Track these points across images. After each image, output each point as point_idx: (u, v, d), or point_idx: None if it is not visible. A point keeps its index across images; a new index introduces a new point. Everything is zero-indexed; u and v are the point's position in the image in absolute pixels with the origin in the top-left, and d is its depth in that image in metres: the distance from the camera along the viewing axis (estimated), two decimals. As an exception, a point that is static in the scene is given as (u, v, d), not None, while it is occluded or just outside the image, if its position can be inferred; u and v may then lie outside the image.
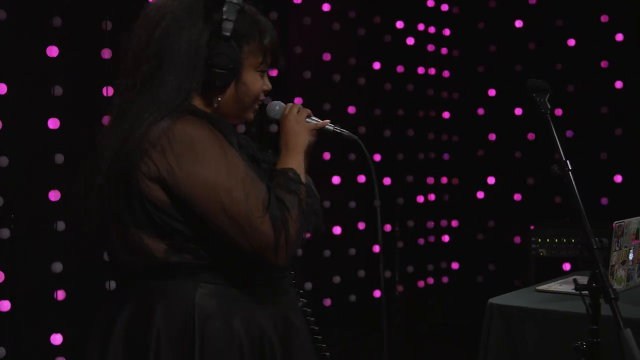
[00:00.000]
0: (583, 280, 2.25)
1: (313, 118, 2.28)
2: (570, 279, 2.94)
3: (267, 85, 2.21)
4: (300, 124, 2.23)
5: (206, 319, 2.03)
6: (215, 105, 2.14)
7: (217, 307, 2.05)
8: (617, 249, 3.34)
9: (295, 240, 2.03)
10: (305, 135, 2.23)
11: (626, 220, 3.38)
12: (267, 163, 2.20)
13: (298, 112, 2.25)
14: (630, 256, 3.43)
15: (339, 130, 2.34)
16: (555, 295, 3.38)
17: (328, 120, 2.32)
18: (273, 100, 2.31)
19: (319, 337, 2.39)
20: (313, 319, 2.40)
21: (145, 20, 2.12)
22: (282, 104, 2.28)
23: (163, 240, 2.03)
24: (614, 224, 3.31)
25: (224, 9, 2.08)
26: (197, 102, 2.12)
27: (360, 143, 2.36)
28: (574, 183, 2.28)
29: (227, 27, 2.07)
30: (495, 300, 3.30)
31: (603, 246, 2.19)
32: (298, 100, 5.37)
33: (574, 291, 2.25)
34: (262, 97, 2.22)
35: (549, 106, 2.40)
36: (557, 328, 3.06)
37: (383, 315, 2.58)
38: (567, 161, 2.31)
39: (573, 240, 5.55)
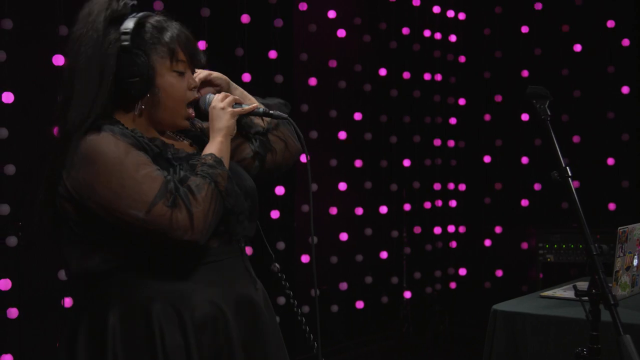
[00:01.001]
0: (583, 286, 2.25)
1: (241, 104, 2.33)
2: (578, 284, 2.94)
3: (192, 83, 2.29)
4: (224, 109, 2.29)
5: (116, 323, 2.15)
6: (137, 112, 2.24)
7: (130, 308, 2.16)
8: (622, 254, 3.33)
9: (202, 217, 2.08)
10: (226, 119, 2.28)
11: (630, 226, 3.37)
12: (180, 158, 2.26)
13: (223, 99, 2.32)
14: (635, 262, 3.42)
15: (268, 112, 2.37)
16: (559, 301, 3.37)
17: (256, 104, 2.37)
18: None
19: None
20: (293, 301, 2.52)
21: (66, 50, 2.25)
22: (213, 95, 2.34)
23: (79, 250, 2.18)
24: (618, 230, 3.30)
25: (122, 25, 2.17)
26: (120, 115, 2.22)
27: (291, 121, 2.40)
28: (573, 189, 2.27)
29: (126, 39, 2.15)
30: (499, 306, 3.30)
31: (603, 252, 2.18)
32: (304, 108, 5.40)
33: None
34: (190, 96, 2.28)
35: (549, 112, 2.39)
36: (561, 334, 3.06)
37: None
38: (567, 167, 2.29)
39: (580, 246, 5.55)
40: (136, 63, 2.17)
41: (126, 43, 2.15)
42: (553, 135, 2.39)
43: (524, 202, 6.21)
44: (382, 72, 5.99)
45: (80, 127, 2.12)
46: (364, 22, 5.89)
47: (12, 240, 4.19)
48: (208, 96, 2.34)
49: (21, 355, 4.25)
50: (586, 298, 2.23)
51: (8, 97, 4.18)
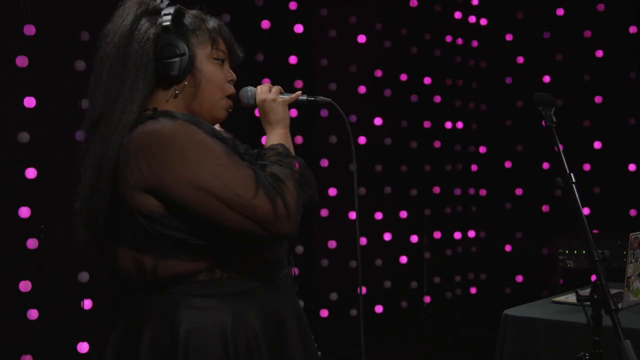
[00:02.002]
0: (586, 291, 2.27)
1: (286, 93, 2.33)
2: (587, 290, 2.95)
3: (230, 76, 2.23)
4: (276, 100, 2.28)
5: (190, 334, 1.99)
6: (171, 96, 2.12)
7: (203, 318, 2.01)
8: (634, 260, 3.34)
9: (296, 208, 2.00)
10: (282, 110, 2.28)
11: (642, 232, 3.38)
12: (248, 154, 2.15)
13: (270, 91, 2.30)
14: (647, 268, 3.42)
15: (312, 98, 2.37)
16: (570, 306, 3.38)
17: (299, 92, 2.36)
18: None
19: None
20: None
21: (102, 42, 2.14)
22: (253, 88, 2.32)
23: (154, 253, 1.99)
24: (630, 236, 3.31)
25: (163, 8, 2.13)
26: (161, 98, 2.11)
27: (335, 105, 2.39)
28: (577, 196, 2.28)
29: (167, 19, 2.09)
30: (510, 311, 3.32)
31: (605, 258, 2.20)
32: (324, 113, 5.43)
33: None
34: (228, 88, 2.21)
35: (554, 119, 2.41)
36: (571, 339, 3.07)
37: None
38: (571, 174, 2.31)
39: (609, 253, 5.52)
40: (176, 43, 2.08)
41: (167, 24, 2.08)
42: (558, 142, 2.41)
43: (545, 208, 6.20)
44: (403, 77, 6.01)
45: (128, 120, 2.00)
46: (384, 28, 5.91)
47: (33, 243, 4.25)
48: (249, 89, 2.31)
49: (41, 356, 4.31)
50: (588, 303, 2.25)
51: (30, 102, 4.25)
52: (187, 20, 2.15)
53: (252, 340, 2.04)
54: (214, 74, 2.16)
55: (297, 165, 2.12)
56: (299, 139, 5.08)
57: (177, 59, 2.08)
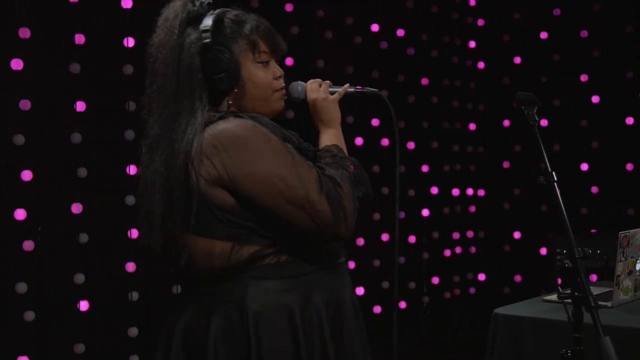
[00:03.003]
0: (567, 289, 2.28)
1: (334, 87, 2.36)
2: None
3: (278, 72, 2.27)
4: (327, 98, 2.32)
5: (259, 315, 2.09)
6: (233, 107, 2.21)
7: (269, 299, 2.11)
8: (623, 259, 3.35)
9: (352, 211, 2.10)
10: (335, 108, 2.33)
11: (632, 231, 3.39)
12: (311, 150, 2.25)
13: (320, 86, 2.34)
14: (638, 266, 3.43)
15: (360, 89, 2.41)
16: (559, 304, 3.38)
17: (347, 85, 2.39)
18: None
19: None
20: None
21: (150, 55, 2.21)
22: (303, 83, 2.35)
23: (227, 241, 2.09)
24: (619, 235, 3.32)
25: (201, 24, 2.16)
26: (216, 106, 2.20)
27: (382, 96, 2.44)
28: (559, 194, 2.30)
29: (206, 36, 2.14)
30: (500, 310, 3.33)
31: (586, 256, 2.21)
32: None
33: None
34: (277, 85, 2.26)
35: (537, 118, 2.43)
36: (557, 336, 3.08)
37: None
38: (553, 172, 2.32)
39: (599, 252, 5.52)
40: (220, 59, 2.15)
41: (207, 41, 2.14)
42: (540, 140, 2.42)
43: (543, 208, 6.21)
44: (400, 78, 6.02)
45: (196, 126, 2.09)
46: (381, 29, 5.92)
47: (29, 245, 4.28)
48: (299, 84, 2.34)
49: (38, 358, 4.34)
50: (569, 300, 2.26)
51: (25, 104, 4.27)
52: (226, 29, 2.20)
53: (316, 319, 2.14)
54: (259, 78, 2.23)
55: (351, 166, 2.21)
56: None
57: (224, 75, 2.16)
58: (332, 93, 2.35)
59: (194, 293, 2.20)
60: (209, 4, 2.22)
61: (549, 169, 2.36)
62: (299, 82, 2.35)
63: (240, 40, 2.20)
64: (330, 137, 2.27)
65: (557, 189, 2.33)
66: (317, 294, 2.16)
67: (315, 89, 2.33)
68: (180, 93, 2.14)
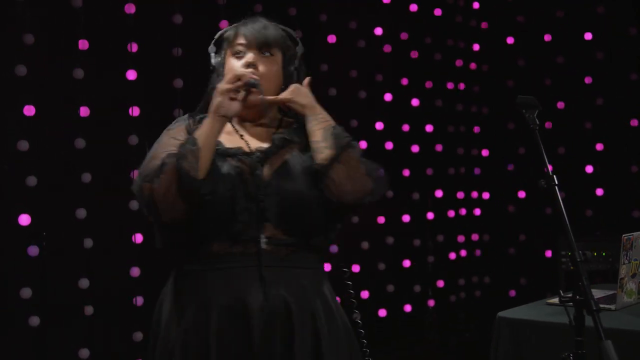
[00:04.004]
0: (569, 293, 2.28)
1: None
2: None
3: (245, 62, 2.43)
4: (218, 87, 2.35)
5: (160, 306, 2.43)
6: None
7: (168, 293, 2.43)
8: (627, 262, 3.35)
9: (161, 196, 2.20)
10: (214, 98, 2.34)
11: (635, 234, 3.39)
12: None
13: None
14: (641, 269, 3.43)
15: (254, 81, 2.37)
16: (562, 307, 3.37)
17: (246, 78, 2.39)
18: None
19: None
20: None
21: None
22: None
23: None
24: (622, 237, 3.32)
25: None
26: None
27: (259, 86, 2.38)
28: (559, 197, 2.30)
29: (211, 56, 2.55)
30: (504, 313, 3.33)
31: (587, 259, 2.21)
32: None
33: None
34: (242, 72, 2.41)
35: (538, 122, 2.44)
36: (560, 340, 3.08)
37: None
38: (554, 176, 2.33)
39: (604, 254, 5.51)
40: (214, 66, 2.51)
41: (211, 60, 2.54)
42: (541, 144, 2.43)
43: (548, 210, 6.19)
44: (404, 81, 6.01)
45: None
46: (385, 32, 5.91)
47: (33, 250, 4.28)
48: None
49: (42, 362, 4.35)
50: (571, 304, 2.26)
51: (29, 110, 4.28)
52: (222, 42, 2.53)
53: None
54: (229, 67, 2.45)
55: (190, 158, 2.23)
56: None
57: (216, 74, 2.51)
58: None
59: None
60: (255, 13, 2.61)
61: (550, 172, 2.36)
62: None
63: (225, 44, 2.51)
64: (202, 126, 2.35)
65: (557, 192, 2.33)
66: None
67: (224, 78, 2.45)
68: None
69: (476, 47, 6.43)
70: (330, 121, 2.44)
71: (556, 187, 2.33)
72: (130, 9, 4.59)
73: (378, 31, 5.88)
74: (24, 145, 4.26)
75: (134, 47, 4.61)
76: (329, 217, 2.43)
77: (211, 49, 2.54)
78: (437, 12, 6.20)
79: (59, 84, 4.46)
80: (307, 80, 2.52)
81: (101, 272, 4.53)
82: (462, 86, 6.36)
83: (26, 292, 4.23)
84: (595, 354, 2.26)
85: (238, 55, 2.43)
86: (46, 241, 4.34)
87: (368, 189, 2.45)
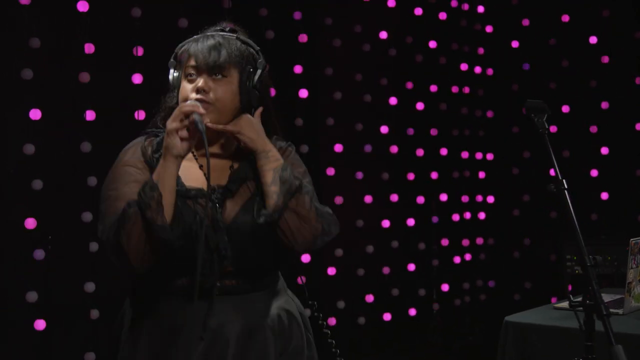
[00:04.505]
0: (579, 297, 2.27)
1: (195, 113, 2.26)
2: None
3: (198, 85, 2.36)
4: (167, 126, 2.27)
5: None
6: None
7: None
8: (634, 266, 3.34)
9: (130, 248, 2.18)
10: (166, 139, 2.27)
11: (643, 238, 3.38)
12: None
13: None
14: (649, 273, 3.42)
15: (197, 120, 2.26)
16: (569, 312, 3.37)
17: (193, 117, 2.27)
18: None
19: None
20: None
21: None
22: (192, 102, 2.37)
23: None
24: (630, 242, 3.32)
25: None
26: None
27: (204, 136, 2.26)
28: (569, 201, 2.29)
29: (170, 62, 2.48)
30: (511, 317, 3.33)
31: (597, 264, 2.21)
32: (330, 121, 5.44)
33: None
34: (191, 97, 2.36)
35: (547, 126, 2.43)
36: (568, 344, 3.07)
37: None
38: (563, 180, 2.32)
39: (609, 258, 5.50)
40: (169, 79, 2.44)
41: (170, 61, 2.46)
42: (550, 148, 2.42)
43: (553, 214, 6.19)
44: (409, 85, 6.01)
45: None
46: (389, 36, 5.91)
47: (39, 254, 4.28)
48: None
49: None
50: (581, 309, 2.25)
51: (35, 114, 4.28)
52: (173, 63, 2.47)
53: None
54: (182, 91, 2.40)
55: (153, 205, 2.19)
56: (304, 148, 5.08)
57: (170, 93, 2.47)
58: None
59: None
60: (217, 29, 2.56)
61: (560, 176, 2.35)
62: (191, 101, 2.34)
63: (179, 58, 2.45)
64: (157, 168, 2.28)
65: (567, 197, 2.32)
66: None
67: (173, 114, 2.29)
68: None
69: (481, 50, 6.42)
70: (280, 160, 2.38)
71: (566, 192, 2.32)
72: (137, 12, 4.59)
73: (383, 35, 5.88)
74: (29, 148, 4.26)
75: (140, 51, 4.61)
76: (283, 256, 2.46)
77: (171, 63, 2.45)
78: (442, 15, 6.19)
79: (65, 87, 4.47)
80: (258, 111, 2.44)
81: (107, 276, 4.52)
82: (466, 90, 6.35)
83: (32, 296, 4.24)
84: (605, 358, 2.26)
85: (190, 78, 2.37)
86: (52, 245, 4.34)
87: (318, 233, 2.38)
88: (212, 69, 2.34)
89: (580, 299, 2.26)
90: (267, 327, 2.38)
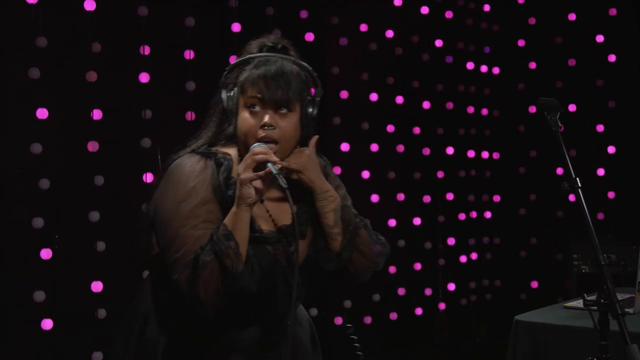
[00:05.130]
0: (592, 296, 2.26)
1: (268, 163, 2.20)
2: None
3: (264, 120, 2.28)
4: (241, 175, 2.19)
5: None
6: (225, 140, 2.39)
7: None
8: (645, 265, 3.33)
9: (205, 296, 2.12)
10: (239, 187, 2.19)
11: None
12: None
13: (246, 160, 2.22)
14: (659, 272, 3.41)
15: (275, 175, 2.19)
16: (581, 311, 3.36)
17: (268, 169, 2.20)
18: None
19: None
20: None
21: None
22: (255, 145, 2.27)
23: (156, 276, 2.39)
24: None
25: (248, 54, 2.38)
26: (227, 147, 2.37)
27: (288, 194, 2.19)
28: (583, 200, 2.28)
29: (224, 75, 2.36)
30: (521, 317, 3.32)
31: (611, 263, 2.20)
32: (336, 120, 5.43)
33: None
34: (259, 134, 2.28)
35: (559, 124, 2.41)
36: (580, 344, 3.07)
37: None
38: (577, 179, 2.31)
39: (615, 257, 5.49)
40: (221, 98, 2.33)
41: (222, 80, 2.35)
42: (564, 147, 2.41)
43: (559, 213, 6.18)
44: (415, 84, 6.00)
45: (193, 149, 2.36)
46: (395, 35, 5.90)
47: (46, 253, 4.27)
48: (252, 147, 2.26)
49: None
50: (595, 308, 2.24)
51: (42, 113, 4.27)
52: (240, 71, 2.35)
53: None
54: (243, 122, 2.31)
55: (230, 253, 2.14)
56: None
57: (221, 113, 2.37)
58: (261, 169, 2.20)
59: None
60: (271, 48, 2.39)
61: (573, 175, 2.34)
62: (255, 144, 2.26)
63: (240, 83, 2.33)
64: (230, 216, 2.20)
65: (581, 195, 2.31)
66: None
67: (243, 162, 2.22)
68: (205, 124, 2.44)
69: (487, 49, 6.41)
70: (337, 199, 2.38)
71: (580, 190, 2.30)
72: (143, 11, 4.58)
73: (389, 34, 5.87)
74: (37, 148, 4.25)
75: (147, 50, 4.60)
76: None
77: (223, 83, 2.36)
78: (448, 14, 6.19)
79: (72, 86, 4.45)
80: (314, 140, 2.40)
81: (114, 276, 4.52)
82: (473, 89, 6.35)
83: (39, 296, 4.22)
84: (618, 358, 2.25)
85: (252, 110, 2.29)
86: (59, 244, 4.32)
87: (380, 265, 2.54)
88: (278, 104, 2.29)
89: (594, 297, 2.25)
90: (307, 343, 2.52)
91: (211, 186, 2.23)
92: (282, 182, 2.16)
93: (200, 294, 2.11)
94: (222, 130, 2.36)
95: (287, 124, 2.30)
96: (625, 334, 2.07)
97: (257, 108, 2.28)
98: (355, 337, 2.66)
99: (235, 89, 2.32)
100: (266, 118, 2.27)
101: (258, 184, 2.18)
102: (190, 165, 2.26)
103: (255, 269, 2.20)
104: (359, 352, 2.65)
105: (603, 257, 2.20)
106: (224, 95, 2.33)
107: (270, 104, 2.28)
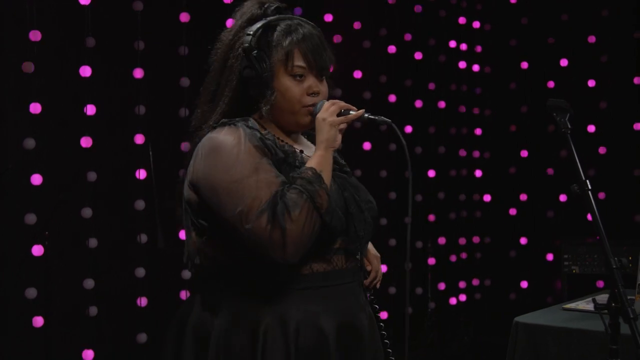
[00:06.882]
0: (604, 299, 2.25)
1: (348, 112, 2.29)
2: (598, 297, 2.93)
3: (313, 88, 2.29)
4: (326, 119, 2.24)
5: (224, 332, 2.18)
6: (264, 113, 2.29)
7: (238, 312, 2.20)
8: (645, 267, 3.32)
9: (297, 238, 2.07)
10: (326, 131, 2.24)
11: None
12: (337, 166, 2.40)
13: (329, 108, 2.27)
14: (658, 274, 3.40)
15: (373, 117, 2.34)
16: (581, 313, 3.36)
17: (362, 110, 2.32)
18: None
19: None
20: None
21: (214, 47, 2.37)
22: (324, 102, 2.31)
23: (199, 240, 2.23)
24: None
25: (250, 28, 2.26)
26: (256, 114, 2.32)
27: (394, 127, 2.34)
28: (593, 202, 2.27)
29: (248, 40, 2.23)
30: (521, 318, 3.30)
31: (622, 266, 2.19)
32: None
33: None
34: (307, 101, 2.28)
35: (570, 125, 2.39)
36: (582, 347, 3.05)
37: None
38: (587, 181, 2.29)
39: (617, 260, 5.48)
40: (253, 65, 2.23)
41: (247, 45, 2.23)
42: (574, 148, 2.39)
43: (549, 214, 6.18)
44: (408, 82, 5.99)
45: (204, 125, 2.29)
46: (389, 33, 5.89)
47: (38, 250, 4.23)
48: (320, 103, 2.30)
49: (46, 363, 4.30)
50: (605, 311, 2.23)
51: (35, 108, 4.23)
52: (273, 36, 2.27)
53: (284, 337, 2.18)
54: (288, 91, 2.27)
55: (322, 193, 2.12)
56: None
57: (254, 80, 2.25)
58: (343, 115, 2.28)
59: (199, 290, 2.31)
60: (277, 8, 2.32)
61: (583, 177, 2.33)
62: (322, 101, 2.31)
63: (279, 50, 2.25)
64: (314, 159, 2.21)
65: (591, 197, 2.30)
66: (289, 315, 2.19)
67: (325, 109, 2.27)
68: (218, 93, 2.31)
69: (479, 48, 6.41)
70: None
71: (590, 192, 2.29)
72: (138, 6, 4.55)
73: (382, 32, 5.85)
74: (30, 143, 4.21)
75: (141, 45, 4.56)
76: None
77: (251, 49, 2.23)
78: (442, 13, 6.18)
79: (66, 82, 4.43)
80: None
81: (106, 273, 4.49)
82: (464, 88, 6.35)
83: (31, 292, 4.18)
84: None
85: (297, 78, 2.26)
86: (50, 241, 4.28)
87: None
88: (321, 71, 2.32)
89: (605, 301, 2.23)
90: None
91: (255, 147, 2.18)
92: (382, 119, 2.32)
93: (290, 238, 2.05)
94: (243, 99, 2.30)
95: (325, 88, 2.35)
96: (638, 338, 2.06)
97: (301, 77, 2.28)
98: (377, 307, 2.71)
99: (275, 56, 2.26)
100: (314, 86, 2.29)
101: (344, 127, 2.27)
102: (224, 133, 2.20)
103: (337, 208, 2.21)
104: (380, 324, 2.70)
105: (614, 260, 2.18)
106: (255, 61, 2.24)
107: (314, 71, 2.29)
